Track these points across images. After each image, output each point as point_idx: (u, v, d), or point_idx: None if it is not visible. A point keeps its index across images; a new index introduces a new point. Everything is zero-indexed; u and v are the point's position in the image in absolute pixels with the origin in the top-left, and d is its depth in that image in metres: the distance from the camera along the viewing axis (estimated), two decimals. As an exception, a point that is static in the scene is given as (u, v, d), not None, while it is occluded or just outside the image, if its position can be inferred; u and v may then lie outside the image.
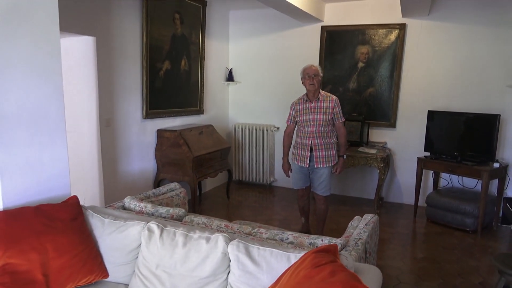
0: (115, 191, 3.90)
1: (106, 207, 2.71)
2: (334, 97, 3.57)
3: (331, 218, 4.51)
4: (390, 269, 3.30)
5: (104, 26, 3.65)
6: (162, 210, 2.63)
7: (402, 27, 4.80)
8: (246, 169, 5.84)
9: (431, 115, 4.53)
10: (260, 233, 2.32)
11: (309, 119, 3.51)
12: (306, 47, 5.38)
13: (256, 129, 5.66)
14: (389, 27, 4.87)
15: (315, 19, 5.14)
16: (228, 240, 1.96)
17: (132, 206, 2.72)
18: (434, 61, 4.74)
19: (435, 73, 4.75)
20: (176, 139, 4.34)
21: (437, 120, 4.51)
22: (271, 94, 5.65)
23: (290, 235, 2.25)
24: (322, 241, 2.16)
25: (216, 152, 4.70)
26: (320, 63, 5.30)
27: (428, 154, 4.57)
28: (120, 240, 2.21)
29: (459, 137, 4.38)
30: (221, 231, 2.34)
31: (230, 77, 5.85)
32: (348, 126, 5.04)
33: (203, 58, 5.14)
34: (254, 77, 5.80)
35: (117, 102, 3.89)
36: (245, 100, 5.91)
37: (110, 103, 3.80)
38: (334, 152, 3.57)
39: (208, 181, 5.51)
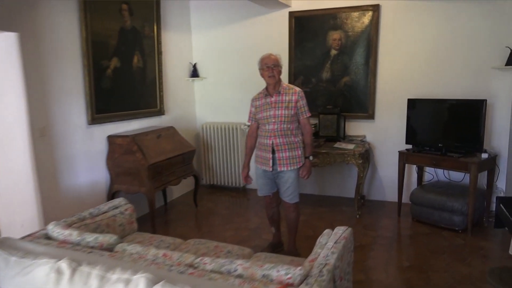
0: (59, 210, 3.40)
1: (22, 238, 2.23)
2: (298, 89, 3.13)
3: (307, 222, 4.08)
4: (372, 285, 2.88)
5: (30, 20, 3.13)
6: (90, 238, 2.16)
7: (375, 9, 4.36)
8: (217, 172, 5.37)
9: (412, 103, 4.13)
10: (204, 263, 1.87)
11: (269, 115, 3.06)
12: (275, 36, 4.91)
13: (225, 128, 5.19)
14: (361, 9, 4.43)
15: (282, 4, 4.68)
16: (151, 284, 1.51)
17: (55, 235, 2.25)
18: (412, 44, 4.32)
19: (414, 58, 4.33)
20: (129, 146, 3.84)
21: (418, 109, 4.11)
22: (240, 89, 5.17)
23: (239, 266, 1.80)
24: (278, 271, 1.72)
25: (178, 157, 4.22)
26: (290, 52, 4.84)
27: (410, 146, 4.17)
28: (24, 285, 1.74)
29: (442, 126, 3.98)
30: (156, 264, 1.90)
31: (194, 73, 5.35)
32: (323, 120, 4.62)
33: (160, 53, 4.63)
34: (221, 71, 5.33)
35: (54, 108, 3.38)
36: (212, 97, 5.43)
37: (44, 109, 3.29)
38: (299, 153, 3.12)
39: (175, 188, 5.03)
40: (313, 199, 4.85)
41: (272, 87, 3.09)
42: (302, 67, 4.82)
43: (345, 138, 4.62)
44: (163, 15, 4.71)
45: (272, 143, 3.05)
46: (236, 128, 5.11)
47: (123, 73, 4.09)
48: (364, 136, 4.66)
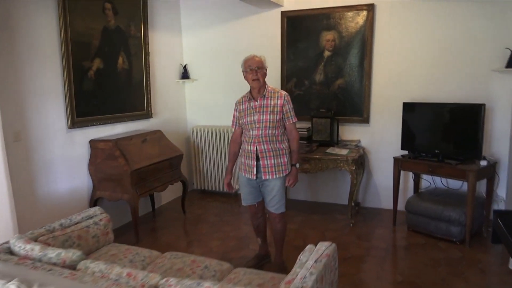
0: (36, 219, 3.24)
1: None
2: (284, 92, 2.95)
3: (298, 231, 3.91)
4: (361, 300, 2.71)
5: (4, 19, 2.97)
6: (52, 253, 2.00)
7: (370, 8, 4.19)
8: (208, 177, 5.20)
9: (408, 107, 3.95)
10: (168, 285, 1.70)
11: (253, 120, 2.89)
12: (267, 36, 4.75)
13: (217, 132, 5.02)
14: (355, 8, 4.26)
15: (274, 4, 4.51)
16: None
17: (17, 249, 2.09)
18: (409, 45, 4.14)
19: (410, 59, 4.15)
20: (111, 151, 3.68)
21: (414, 114, 3.93)
22: (232, 91, 4.95)
23: (207, 289, 1.63)
24: (249, 297, 1.55)
25: (164, 162, 4.05)
26: (282, 54, 4.67)
27: (406, 152, 3.99)
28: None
29: (439, 132, 3.80)
30: (117, 285, 1.73)
31: (185, 75, 5.19)
32: (316, 124, 4.44)
33: (147, 53, 4.47)
34: (212, 73, 5.16)
35: (30, 111, 3.22)
36: (203, 99, 5.26)
37: (19, 112, 3.13)
38: (285, 160, 2.93)
39: (163, 193, 4.87)
40: (306, 206, 4.68)
41: (257, 91, 2.91)
42: (294, 69, 4.65)
43: (338, 143, 4.44)
44: (151, 15, 4.55)
45: (256, 150, 2.88)
46: (228, 132, 4.94)
47: (106, 75, 3.93)
48: (359, 141, 4.48)
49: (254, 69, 2.84)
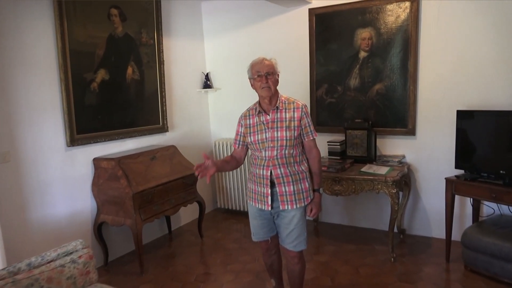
0: (29, 247, 2.95)
1: None
2: (301, 103, 2.39)
3: (327, 266, 3.30)
4: None
5: (-11, 29, 2.71)
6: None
7: (414, -1, 3.51)
8: (232, 195, 4.72)
9: (463, 116, 3.20)
10: None
11: (266, 138, 2.34)
12: (293, 38, 4.20)
13: (240, 146, 4.53)
14: (396, 0, 3.59)
15: (301, 1, 3.96)
16: None
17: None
18: (462, 42, 3.39)
19: (465, 58, 3.40)
20: (113, 170, 3.32)
21: (471, 124, 3.17)
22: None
23: None
24: None
25: (176, 182, 3.63)
26: (311, 57, 4.10)
27: (461, 171, 3.24)
28: None
29: (505, 147, 3.01)
30: None
31: (207, 84, 4.78)
32: (351, 137, 3.81)
33: (161, 62, 4.10)
34: (237, 80, 4.68)
35: (21, 128, 2.93)
36: (227, 110, 4.81)
37: (8, 131, 2.84)
38: (306, 185, 2.37)
39: (183, 213, 4.46)
40: (339, 232, 4.03)
41: (267, 102, 2.36)
42: (325, 74, 4.05)
43: (377, 159, 3.77)
44: (167, 20, 4.20)
45: (271, 174, 2.32)
46: (252, 146, 4.43)
47: (113, 87, 3.60)
48: (403, 156, 3.78)
49: (263, 75, 2.29)
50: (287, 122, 2.32)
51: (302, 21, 4.11)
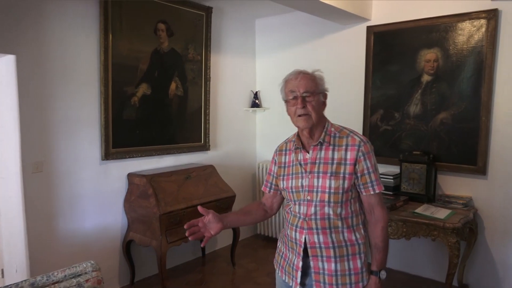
0: (55, 259, 2.92)
1: None
2: (359, 138, 1.64)
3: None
4: None
5: (32, 40, 2.75)
6: None
7: (492, 15, 3.00)
8: (273, 222, 4.42)
9: (549, 157, 2.62)
10: None
11: (301, 187, 1.66)
12: (349, 57, 3.86)
13: (285, 170, 4.24)
14: (469, 17, 3.11)
15: (358, 18, 3.63)
16: None
17: None
18: (553, 67, 2.82)
19: (556, 86, 2.82)
20: (144, 187, 3.21)
21: (560, 167, 2.58)
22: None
23: None
24: None
25: (209, 204, 3.43)
26: (366, 79, 3.72)
27: (544, 225, 2.64)
28: None
29: None
30: None
31: (255, 103, 4.58)
32: (407, 171, 3.34)
33: (208, 79, 3.99)
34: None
35: (55, 140, 2.93)
36: (274, 131, 4.55)
37: (42, 142, 2.85)
38: (358, 264, 1.64)
39: (218, 235, 4.24)
40: (392, 279, 3.52)
41: (307, 134, 1.67)
42: (382, 98, 3.64)
43: (437, 199, 3.25)
44: (218, 36, 4.09)
45: (305, 241, 1.64)
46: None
47: (154, 102, 3.53)
48: (469, 199, 3.21)
49: (298, 96, 1.60)
50: (334, 167, 1.61)
51: (359, 40, 3.76)
